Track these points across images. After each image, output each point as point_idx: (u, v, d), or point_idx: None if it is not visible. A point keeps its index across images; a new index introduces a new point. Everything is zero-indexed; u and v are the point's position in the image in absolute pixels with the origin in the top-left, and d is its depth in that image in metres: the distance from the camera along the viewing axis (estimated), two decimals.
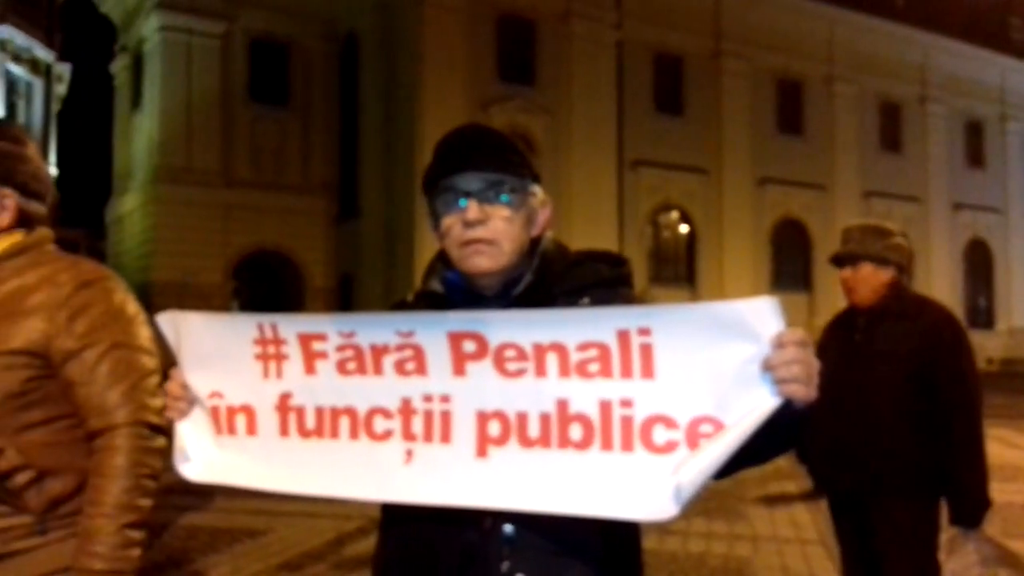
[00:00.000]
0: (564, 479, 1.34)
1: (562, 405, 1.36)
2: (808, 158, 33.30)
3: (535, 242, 1.58)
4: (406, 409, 1.46)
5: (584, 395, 1.34)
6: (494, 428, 1.40)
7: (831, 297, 27.20)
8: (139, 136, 29.59)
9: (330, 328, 1.51)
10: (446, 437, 1.43)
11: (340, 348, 1.50)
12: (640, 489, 1.29)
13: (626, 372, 1.32)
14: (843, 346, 3.43)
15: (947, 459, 3.17)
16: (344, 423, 1.51)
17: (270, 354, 1.56)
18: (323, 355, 1.52)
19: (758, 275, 31.33)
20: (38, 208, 1.98)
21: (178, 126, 27.48)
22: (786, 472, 9.28)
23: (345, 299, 28.53)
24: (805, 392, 1.22)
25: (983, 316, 38.00)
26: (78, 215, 30.29)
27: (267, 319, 1.55)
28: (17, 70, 21.78)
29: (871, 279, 3.32)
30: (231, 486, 1.60)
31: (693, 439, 1.28)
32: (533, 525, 1.42)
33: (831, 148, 34.03)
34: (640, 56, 30.11)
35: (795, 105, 33.71)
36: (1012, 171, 39.44)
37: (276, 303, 27.94)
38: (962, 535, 3.17)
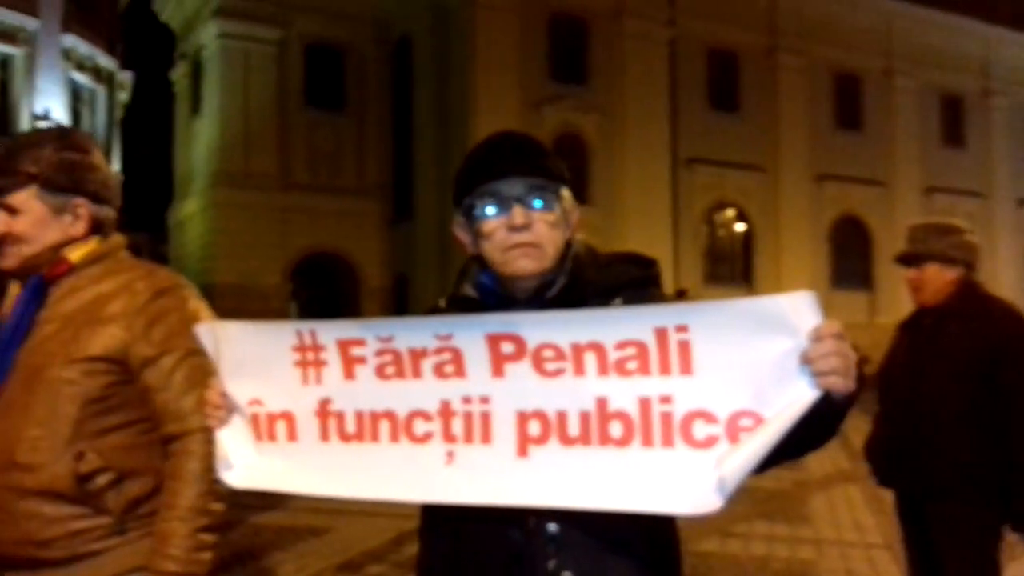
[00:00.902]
0: (606, 476, 1.35)
1: (601, 403, 1.36)
2: (867, 154, 32.68)
3: (567, 245, 1.59)
4: (446, 411, 1.47)
5: (623, 393, 1.35)
6: (534, 427, 1.40)
7: (894, 296, 26.65)
8: (199, 141, 30.21)
9: (368, 333, 1.52)
10: (486, 438, 1.43)
11: (379, 353, 1.51)
12: (683, 483, 1.29)
13: (664, 369, 1.32)
14: (909, 347, 3.37)
15: (1008, 463, 3.07)
16: (384, 426, 1.52)
17: (309, 360, 1.57)
18: (362, 360, 1.53)
19: (816, 273, 30.74)
20: (109, 213, 2.02)
21: (236, 131, 27.99)
22: (849, 475, 9.14)
23: (400, 299, 28.77)
24: (843, 384, 1.22)
25: None
26: (141, 219, 30.95)
27: (306, 326, 1.57)
28: (81, 78, 22.30)
29: (936, 279, 3.25)
30: (274, 492, 1.62)
31: (733, 433, 1.28)
32: (577, 523, 1.43)
33: (891, 143, 33.34)
34: (693, 53, 29.83)
35: (853, 100, 33.11)
36: None
37: (333, 304, 28.33)
38: (1023, 541, 3.09)
